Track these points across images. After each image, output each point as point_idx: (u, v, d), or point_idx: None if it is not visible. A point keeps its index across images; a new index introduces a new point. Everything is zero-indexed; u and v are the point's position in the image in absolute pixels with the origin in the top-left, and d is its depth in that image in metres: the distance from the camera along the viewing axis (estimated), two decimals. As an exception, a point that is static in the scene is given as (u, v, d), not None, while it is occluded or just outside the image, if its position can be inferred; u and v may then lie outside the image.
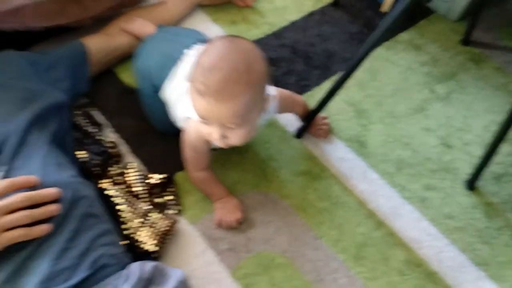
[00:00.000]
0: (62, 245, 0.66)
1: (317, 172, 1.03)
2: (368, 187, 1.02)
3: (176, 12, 1.17)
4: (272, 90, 0.91)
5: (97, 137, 0.93)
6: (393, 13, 0.88)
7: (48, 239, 0.66)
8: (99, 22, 1.13)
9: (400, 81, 1.23)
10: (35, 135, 0.78)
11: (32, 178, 0.68)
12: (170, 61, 0.93)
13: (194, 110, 0.80)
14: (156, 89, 0.95)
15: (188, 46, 0.94)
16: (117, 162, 0.94)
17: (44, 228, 0.66)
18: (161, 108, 0.97)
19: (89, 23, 1.10)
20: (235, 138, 0.83)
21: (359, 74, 1.19)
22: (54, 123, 0.84)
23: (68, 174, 0.76)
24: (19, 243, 0.64)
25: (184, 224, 0.92)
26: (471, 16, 1.28)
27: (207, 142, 0.89)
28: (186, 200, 0.95)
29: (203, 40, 0.99)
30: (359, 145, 1.09)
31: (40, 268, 0.64)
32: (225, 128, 0.80)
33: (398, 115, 1.16)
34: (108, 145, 0.93)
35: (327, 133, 1.08)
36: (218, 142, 0.84)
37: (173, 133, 0.97)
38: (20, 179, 0.67)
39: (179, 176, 0.97)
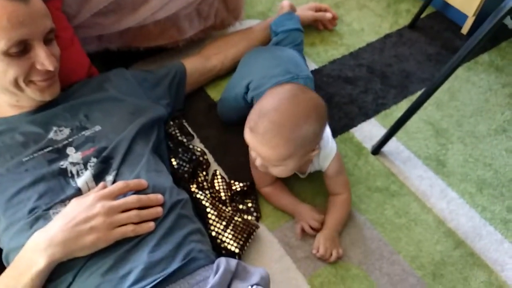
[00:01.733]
0: (157, 240, 0.74)
1: (395, 189, 1.04)
2: (447, 206, 1.02)
3: (262, 37, 1.25)
4: (333, 149, 0.94)
5: (190, 146, 1.02)
6: (479, 34, 0.88)
7: (147, 235, 0.74)
8: (190, 43, 1.24)
9: (480, 102, 1.22)
10: (139, 145, 0.87)
11: (143, 182, 0.78)
12: (269, 85, 0.99)
13: (244, 135, 0.87)
14: (244, 94, 1.04)
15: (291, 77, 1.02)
16: (205, 170, 1.01)
17: (150, 226, 0.74)
18: (235, 107, 1.07)
19: (183, 44, 1.21)
20: (274, 171, 0.91)
21: (438, 94, 1.19)
22: (154, 134, 0.94)
23: (167, 179, 0.85)
24: (125, 237, 0.72)
25: (263, 231, 0.97)
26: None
27: None
28: (265, 208, 1.00)
29: (306, 78, 1.05)
30: (438, 164, 1.09)
31: (139, 259, 0.71)
32: (267, 165, 0.88)
33: (479, 136, 1.14)
34: (198, 153, 1.01)
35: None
36: (256, 164, 0.91)
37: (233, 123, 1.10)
38: (133, 182, 0.77)
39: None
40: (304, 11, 1.32)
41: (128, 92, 0.97)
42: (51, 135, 0.84)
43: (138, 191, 0.77)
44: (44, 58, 0.78)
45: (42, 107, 0.88)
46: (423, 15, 1.41)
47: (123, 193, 0.75)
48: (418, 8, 1.43)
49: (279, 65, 1.05)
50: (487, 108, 1.20)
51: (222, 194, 0.97)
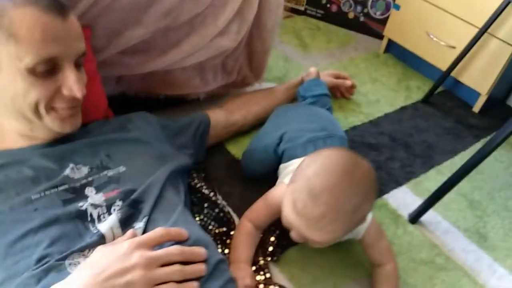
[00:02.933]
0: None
1: (440, 262, 0.93)
2: (499, 283, 0.91)
3: (284, 98, 1.21)
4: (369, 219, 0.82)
5: (217, 201, 0.88)
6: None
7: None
8: (210, 98, 1.17)
9: (506, 176, 1.18)
10: (171, 193, 0.74)
11: (184, 231, 0.63)
12: (305, 139, 0.93)
13: (284, 211, 0.75)
14: (276, 146, 0.95)
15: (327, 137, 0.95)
16: (232, 229, 0.87)
17: (195, 286, 0.59)
18: (263, 159, 0.98)
19: (203, 97, 1.13)
20: (313, 245, 0.78)
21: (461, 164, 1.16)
22: (182, 184, 0.81)
23: (207, 234, 0.71)
24: None
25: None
26: None
27: (278, 214, 0.81)
28: (302, 278, 0.86)
29: (341, 138, 0.99)
30: (480, 237, 1.00)
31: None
32: (310, 241, 0.76)
33: (513, 210, 1.09)
34: (226, 209, 0.88)
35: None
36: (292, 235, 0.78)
37: (254, 178, 1.02)
38: (174, 230, 0.62)
39: (293, 251, 0.90)
40: (325, 77, 1.30)
41: (152, 136, 0.86)
42: (67, 172, 0.70)
43: (177, 243, 0.62)
44: (73, 82, 0.67)
45: (56, 141, 0.74)
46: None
47: (162, 243, 0.61)
48: (428, 86, 1.46)
49: (315, 121, 0.99)
50: (514, 183, 1.17)
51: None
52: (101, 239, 0.62)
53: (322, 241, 0.75)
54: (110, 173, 0.72)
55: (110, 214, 0.66)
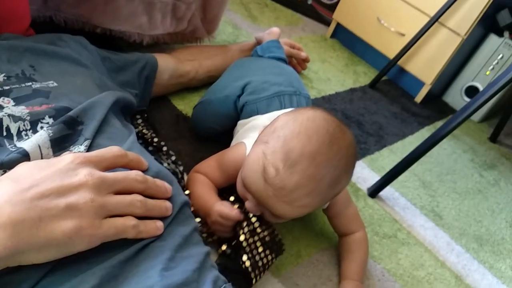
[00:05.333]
0: (171, 252, 0.43)
1: (402, 237, 0.88)
2: (458, 260, 0.88)
3: (236, 58, 1.07)
4: None
5: (170, 152, 0.72)
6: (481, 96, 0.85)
7: (153, 240, 0.43)
8: (155, 47, 1.00)
9: (451, 162, 1.19)
10: (118, 122, 0.58)
11: (143, 160, 0.47)
12: (271, 92, 0.82)
13: (245, 176, 0.63)
14: (236, 98, 0.83)
15: (295, 95, 0.85)
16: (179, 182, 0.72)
17: (158, 227, 0.43)
18: (221, 112, 0.84)
19: (147, 42, 0.96)
20: (271, 219, 0.65)
21: (412, 149, 1.14)
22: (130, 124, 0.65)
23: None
24: (118, 240, 0.40)
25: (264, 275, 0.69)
26: (492, 119, 1.34)
27: (233, 179, 0.70)
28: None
29: (307, 97, 0.90)
30: (435, 215, 0.97)
31: (146, 279, 0.39)
32: (265, 210, 0.63)
33: (461, 192, 1.08)
34: (180, 163, 0.72)
35: None
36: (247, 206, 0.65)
37: (205, 136, 0.88)
38: (132, 154, 0.46)
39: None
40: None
41: (90, 61, 0.68)
42: (-27, 74, 0.50)
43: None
44: None
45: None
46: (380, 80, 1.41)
47: (117, 166, 0.44)
48: (373, 73, 1.45)
49: (282, 74, 0.88)
50: (458, 168, 1.17)
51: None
52: (24, 158, 0.43)
53: (286, 216, 0.64)
54: (36, 85, 0.54)
55: (36, 131, 0.47)
